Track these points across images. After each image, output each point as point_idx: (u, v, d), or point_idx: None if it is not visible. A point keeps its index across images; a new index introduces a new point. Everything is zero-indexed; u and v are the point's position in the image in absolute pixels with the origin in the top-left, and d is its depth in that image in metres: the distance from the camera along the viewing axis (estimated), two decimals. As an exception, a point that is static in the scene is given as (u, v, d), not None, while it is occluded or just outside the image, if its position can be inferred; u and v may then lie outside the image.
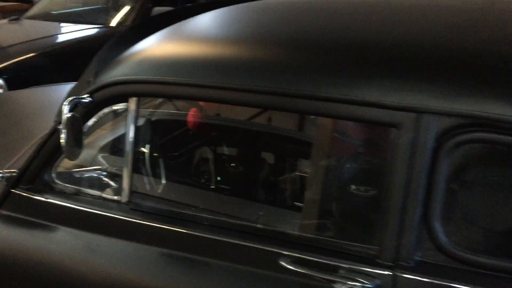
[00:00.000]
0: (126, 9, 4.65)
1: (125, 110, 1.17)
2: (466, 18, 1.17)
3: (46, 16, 4.77)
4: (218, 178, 1.38)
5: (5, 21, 4.98)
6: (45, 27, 4.44)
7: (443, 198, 0.90)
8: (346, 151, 1.03)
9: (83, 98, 1.17)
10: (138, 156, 1.30)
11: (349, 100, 0.95)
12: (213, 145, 1.45)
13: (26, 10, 5.24)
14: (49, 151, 1.23)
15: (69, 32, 4.31)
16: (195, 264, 1.05)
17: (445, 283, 0.89)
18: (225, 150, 1.45)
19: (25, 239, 1.26)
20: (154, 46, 1.26)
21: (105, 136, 1.43)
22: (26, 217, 1.26)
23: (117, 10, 4.72)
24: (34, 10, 5.04)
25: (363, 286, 0.92)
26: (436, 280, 0.90)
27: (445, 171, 0.90)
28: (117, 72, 1.18)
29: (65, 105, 1.11)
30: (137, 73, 1.15)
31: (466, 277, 0.89)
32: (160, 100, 1.45)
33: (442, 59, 0.94)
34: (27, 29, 4.49)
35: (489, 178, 0.91)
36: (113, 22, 4.47)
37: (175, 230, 1.11)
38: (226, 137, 1.45)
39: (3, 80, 3.55)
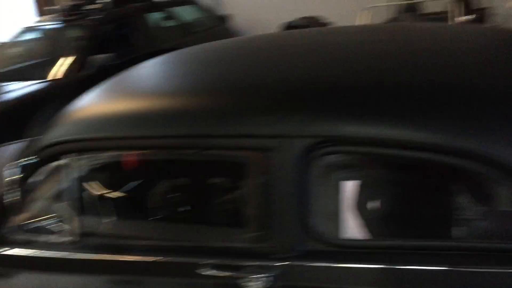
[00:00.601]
0: (63, 62, 4.79)
1: (67, 165, 1.39)
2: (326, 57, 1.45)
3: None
4: (148, 208, 1.63)
5: None
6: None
7: (313, 199, 1.17)
8: (237, 174, 1.28)
9: (29, 160, 1.39)
10: (82, 201, 1.51)
11: (236, 135, 1.21)
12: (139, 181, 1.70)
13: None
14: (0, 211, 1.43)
15: (7, 91, 4.38)
16: (132, 284, 1.27)
17: (325, 264, 1.16)
18: (147, 184, 1.69)
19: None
20: (83, 106, 1.50)
21: (54, 188, 1.63)
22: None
23: (53, 64, 4.84)
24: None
25: (264, 278, 1.17)
26: (318, 263, 1.16)
27: (312, 178, 1.17)
28: (56, 134, 1.41)
29: (5, 170, 1.33)
30: (72, 133, 1.39)
31: (339, 256, 1.16)
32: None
33: (299, 95, 1.23)
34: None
35: (344, 179, 1.19)
36: (50, 76, 4.59)
37: (117, 259, 1.33)
38: (149, 172, 1.70)
39: None
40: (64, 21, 5.23)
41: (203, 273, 1.22)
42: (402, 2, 5.90)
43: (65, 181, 1.42)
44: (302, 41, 1.71)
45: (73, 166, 1.38)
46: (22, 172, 1.36)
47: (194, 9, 6.62)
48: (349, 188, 1.19)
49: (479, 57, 1.38)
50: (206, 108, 1.26)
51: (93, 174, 1.52)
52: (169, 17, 6.12)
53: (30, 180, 1.37)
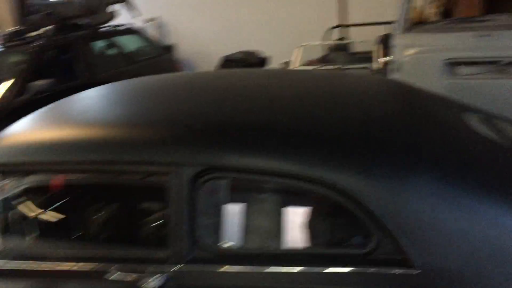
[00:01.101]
0: (3, 86, 4.89)
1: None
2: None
3: None
4: (67, 223, 1.84)
5: None
6: None
7: (200, 216, 1.43)
8: (143, 195, 1.53)
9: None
10: (6, 219, 1.70)
11: (140, 161, 1.46)
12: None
13: None
14: None
15: None
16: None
17: (208, 268, 1.41)
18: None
19: None
20: (12, 132, 1.70)
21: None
22: None
23: (-6, 87, 4.93)
24: None
25: (159, 278, 1.40)
26: (203, 268, 1.41)
27: (200, 198, 1.43)
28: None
29: None
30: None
31: (218, 261, 1.40)
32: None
33: (190, 129, 1.50)
34: None
35: (224, 199, 1.46)
36: (-9, 99, 4.69)
37: (35, 268, 1.52)
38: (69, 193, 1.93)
39: None
40: (5, 46, 5.33)
41: (109, 278, 1.44)
42: (334, 42, 6.38)
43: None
44: (206, 83, 2.00)
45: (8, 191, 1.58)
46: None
47: (138, 39, 6.82)
48: (228, 207, 1.47)
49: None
50: (119, 137, 1.51)
51: (17, 195, 1.72)
52: (112, 46, 6.29)
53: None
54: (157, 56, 6.83)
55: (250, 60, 6.38)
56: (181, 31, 8.76)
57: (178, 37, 8.77)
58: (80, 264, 1.48)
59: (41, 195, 1.87)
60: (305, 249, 1.46)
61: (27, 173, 1.65)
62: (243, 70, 2.23)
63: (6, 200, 1.60)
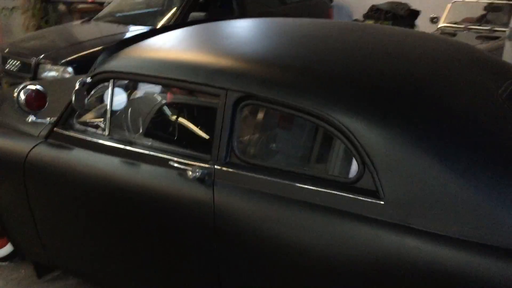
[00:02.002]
0: (169, 13, 5.76)
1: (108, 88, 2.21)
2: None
3: (110, 19, 6.00)
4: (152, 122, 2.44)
5: (79, 22, 6.30)
6: (106, 28, 5.65)
7: (234, 134, 1.86)
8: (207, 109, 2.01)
9: (86, 79, 2.23)
10: (115, 112, 2.32)
11: (198, 83, 1.94)
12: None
13: (99, 11, 6.53)
14: (70, 107, 2.30)
15: (122, 32, 5.46)
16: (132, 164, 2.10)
17: (237, 171, 1.85)
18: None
19: (59, 155, 2.34)
20: (129, 51, 2.29)
21: (99, 100, 2.49)
22: (60, 143, 2.35)
23: (163, 14, 5.84)
24: (102, 13, 6.30)
25: (201, 171, 1.89)
26: (233, 170, 1.86)
27: (238, 119, 1.86)
28: (108, 64, 2.22)
29: (76, 82, 2.18)
30: (117, 67, 2.19)
31: (244, 167, 1.84)
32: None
33: (233, 62, 1.91)
34: (93, 29, 5.73)
35: (253, 120, 1.88)
36: (158, 24, 5.60)
37: (127, 148, 2.12)
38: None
39: (72, 68, 4.79)
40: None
41: (172, 164, 1.98)
42: (489, 1, 5.99)
43: (105, 98, 2.23)
44: (282, 28, 2.37)
45: (112, 90, 2.19)
46: (82, 85, 2.21)
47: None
48: (259, 129, 1.89)
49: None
50: (198, 62, 1.99)
51: (123, 96, 2.35)
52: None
53: (83, 92, 2.20)
54: (308, 0, 7.11)
55: (397, 11, 6.34)
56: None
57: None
58: (155, 152, 2.05)
59: (139, 102, 2.48)
60: (307, 170, 1.81)
61: (135, 82, 2.26)
62: (319, 21, 2.53)
63: (111, 99, 2.22)
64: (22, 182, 2.41)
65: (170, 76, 2.01)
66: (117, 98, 2.27)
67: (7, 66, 5.15)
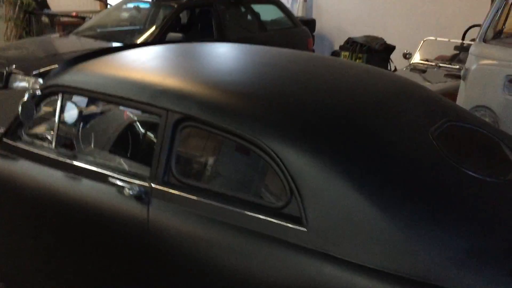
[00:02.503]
0: (148, 32, 5.84)
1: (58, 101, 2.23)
2: None
3: (89, 33, 6.04)
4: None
5: (57, 35, 6.34)
6: (82, 42, 5.69)
7: (172, 153, 1.89)
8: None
9: (36, 91, 2.26)
10: (63, 126, 2.33)
11: (142, 102, 1.97)
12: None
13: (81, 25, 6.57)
14: (17, 120, 2.31)
15: (88, 48, 5.45)
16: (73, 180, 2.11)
17: (173, 191, 1.87)
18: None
19: (5, 166, 2.34)
20: (81, 67, 2.31)
21: (47, 113, 2.50)
22: (8, 154, 2.36)
23: (141, 33, 5.92)
24: (82, 27, 6.34)
25: (138, 189, 1.90)
26: (169, 189, 1.88)
27: (177, 140, 1.89)
28: (55, 79, 2.25)
29: (26, 94, 2.20)
30: (65, 81, 2.22)
31: (180, 187, 1.87)
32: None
33: (176, 84, 1.96)
34: (69, 43, 5.76)
35: (192, 141, 1.91)
36: (135, 41, 5.66)
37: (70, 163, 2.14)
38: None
39: (43, 79, 4.80)
40: (156, 1, 6.27)
41: (110, 181, 2.00)
42: (459, 41, 6.17)
43: (53, 111, 2.25)
44: (222, 54, 2.46)
45: (61, 104, 2.22)
46: (32, 97, 2.23)
47: (276, 9, 7.28)
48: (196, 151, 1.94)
49: None
50: (146, 83, 2.04)
51: (73, 110, 2.37)
52: (248, 12, 6.87)
53: (31, 104, 2.22)
54: (289, 28, 7.25)
55: (372, 45, 6.49)
56: (325, 7, 9.03)
57: (321, 12, 9.06)
58: (97, 167, 2.07)
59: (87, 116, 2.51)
60: (236, 193, 1.84)
61: (88, 98, 2.29)
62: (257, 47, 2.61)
63: (59, 112, 2.23)
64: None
65: (116, 93, 2.04)
66: (67, 112, 2.29)
67: (-21, 74, 5.15)
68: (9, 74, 4.84)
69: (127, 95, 2.02)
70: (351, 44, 6.59)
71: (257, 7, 7.04)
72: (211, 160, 2.05)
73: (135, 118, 2.47)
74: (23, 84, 4.76)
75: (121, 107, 2.23)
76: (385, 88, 2.20)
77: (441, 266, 1.48)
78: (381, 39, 6.73)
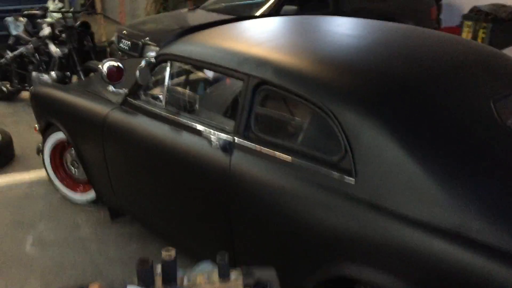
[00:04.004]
0: (266, 6, 6.17)
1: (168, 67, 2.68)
2: None
3: (213, 7, 6.58)
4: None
5: (186, 10, 6.97)
6: (205, 16, 6.21)
7: (252, 112, 2.21)
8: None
9: (151, 59, 2.72)
10: (172, 88, 2.78)
11: (229, 68, 2.31)
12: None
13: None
14: (137, 83, 2.81)
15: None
16: (174, 132, 2.56)
17: (251, 145, 2.21)
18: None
19: (128, 119, 2.87)
20: (187, 38, 2.73)
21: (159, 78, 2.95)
22: (131, 110, 2.89)
23: (259, 6, 6.26)
24: (208, 2, 6.90)
25: (223, 141, 2.27)
26: (248, 141, 2.22)
27: (256, 101, 2.21)
28: (166, 49, 2.69)
29: (143, 60, 2.68)
30: (173, 50, 2.65)
31: (257, 141, 2.20)
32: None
33: (258, 52, 2.25)
34: (194, 17, 6.34)
35: (269, 102, 2.20)
36: (256, 14, 6.04)
37: (176, 119, 2.59)
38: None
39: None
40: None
41: (205, 134, 2.40)
42: None
43: (164, 76, 2.70)
44: (325, 27, 2.65)
45: (171, 70, 2.66)
46: (148, 64, 2.70)
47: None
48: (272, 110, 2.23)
49: None
50: (234, 51, 2.38)
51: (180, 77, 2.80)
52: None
53: (147, 70, 2.70)
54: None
55: (499, 14, 6.12)
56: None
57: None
58: (194, 123, 2.48)
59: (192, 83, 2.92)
60: (303, 147, 2.11)
61: (193, 66, 2.71)
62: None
63: (169, 77, 2.68)
64: (100, 138, 2.99)
65: (211, 61, 2.42)
66: (175, 77, 2.73)
67: (121, 45, 5.97)
68: (144, 45, 5.55)
69: (218, 63, 2.38)
70: (476, 13, 6.26)
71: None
72: (283, 119, 2.35)
73: (226, 82, 2.85)
74: (154, 54, 5.44)
75: (216, 73, 2.61)
76: (459, 57, 2.27)
77: (477, 220, 1.62)
78: (510, 7, 6.29)
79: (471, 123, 1.91)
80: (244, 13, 6.09)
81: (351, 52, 2.26)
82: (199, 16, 6.32)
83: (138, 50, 5.59)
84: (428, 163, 1.74)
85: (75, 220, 3.51)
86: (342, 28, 2.72)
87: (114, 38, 6.30)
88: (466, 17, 6.46)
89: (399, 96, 1.96)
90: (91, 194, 3.57)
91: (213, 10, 6.41)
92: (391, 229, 1.73)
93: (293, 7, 5.94)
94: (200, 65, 2.55)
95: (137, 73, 2.64)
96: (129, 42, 5.82)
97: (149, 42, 5.52)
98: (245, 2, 6.84)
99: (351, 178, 1.86)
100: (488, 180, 1.72)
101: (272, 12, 5.96)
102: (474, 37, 6.14)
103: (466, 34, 6.30)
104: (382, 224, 1.75)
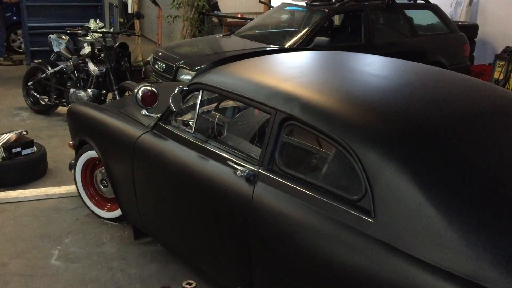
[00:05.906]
0: (298, 35, 6.28)
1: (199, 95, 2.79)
2: None
3: (247, 34, 6.73)
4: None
5: (221, 35, 7.15)
6: (239, 43, 6.36)
7: (277, 146, 2.28)
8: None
9: (184, 86, 2.83)
10: (202, 116, 2.88)
11: (257, 101, 2.40)
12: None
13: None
14: (169, 108, 2.92)
15: (249, 48, 6.00)
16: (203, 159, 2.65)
17: (275, 178, 2.27)
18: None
19: (158, 143, 2.97)
20: (220, 68, 2.83)
21: (191, 105, 3.06)
22: (161, 134, 2.99)
23: (292, 35, 6.39)
24: (243, 28, 7.07)
25: (248, 172, 2.33)
26: (272, 175, 2.29)
27: (281, 135, 2.28)
28: (199, 78, 2.80)
29: (176, 89, 2.80)
30: (205, 80, 2.76)
31: (280, 174, 2.25)
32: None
33: (287, 88, 2.34)
34: (228, 43, 6.49)
35: (294, 137, 2.26)
36: (286, 45, 6.16)
37: (206, 147, 2.67)
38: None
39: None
40: (311, 5, 6.69)
41: (229, 163, 2.47)
42: None
43: (196, 103, 2.81)
44: (344, 64, 2.72)
45: (201, 98, 2.77)
46: (181, 92, 2.82)
47: (431, 15, 7.15)
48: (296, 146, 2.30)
49: None
50: (264, 85, 2.47)
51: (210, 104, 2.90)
52: (400, 17, 6.89)
53: (180, 98, 2.81)
54: (444, 34, 7.08)
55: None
56: (490, 11, 8.51)
57: (486, 16, 8.56)
58: (220, 151, 2.56)
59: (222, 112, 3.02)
60: (324, 184, 2.15)
61: (223, 97, 2.81)
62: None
63: (199, 106, 2.79)
64: (130, 159, 3.10)
65: (240, 93, 2.51)
66: (206, 105, 2.84)
67: (156, 66, 6.16)
68: (178, 68, 5.72)
69: (248, 95, 2.47)
70: (509, 53, 6.23)
71: (411, 12, 7.02)
72: (307, 154, 2.41)
73: (254, 112, 2.94)
74: (188, 77, 5.59)
75: (244, 105, 2.70)
76: (486, 103, 2.30)
77: (492, 270, 1.63)
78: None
79: (493, 170, 1.93)
80: (277, 41, 6.22)
81: (377, 93, 2.31)
82: (233, 42, 6.48)
83: (172, 73, 5.76)
84: (447, 208, 1.76)
85: (100, 237, 3.61)
86: (370, 68, 2.78)
87: (150, 59, 6.50)
88: (499, 56, 6.43)
89: (421, 139, 1.99)
90: (117, 213, 3.68)
91: (247, 37, 6.55)
92: (406, 272, 1.75)
93: (325, 38, 6.04)
94: (230, 96, 2.64)
95: (171, 99, 2.75)
96: (163, 64, 6.00)
97: (183, 66, 5.68)
98: (278, 30, 6.98)
99: (370, 219, 1.89)
100: (507, 231, 1.73)
101: (305, 41, 6.07)
102: (506, 77, 6.10)
103: (498, 74, 6.27)
104: (398, 266, 1.77)
